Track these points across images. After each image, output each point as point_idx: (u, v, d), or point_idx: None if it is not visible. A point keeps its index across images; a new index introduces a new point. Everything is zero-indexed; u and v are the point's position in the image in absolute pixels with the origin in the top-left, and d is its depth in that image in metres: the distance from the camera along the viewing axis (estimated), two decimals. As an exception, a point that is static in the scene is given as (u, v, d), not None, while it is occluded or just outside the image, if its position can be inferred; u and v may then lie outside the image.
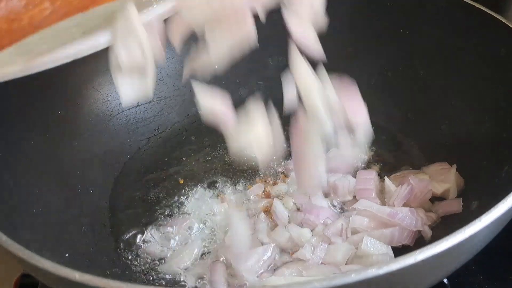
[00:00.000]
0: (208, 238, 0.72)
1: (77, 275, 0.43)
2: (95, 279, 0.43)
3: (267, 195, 0.77)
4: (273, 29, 1.01)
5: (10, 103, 0.74)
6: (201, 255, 0.70)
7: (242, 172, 0.83)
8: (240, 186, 0.80)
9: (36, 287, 0.72)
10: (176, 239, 0.72)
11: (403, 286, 0.47)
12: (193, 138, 0.92)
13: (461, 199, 0.69)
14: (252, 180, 0.81)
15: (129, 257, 0.71)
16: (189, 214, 0.76)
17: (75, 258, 0.66)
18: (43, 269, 0.46)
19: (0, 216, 0.58)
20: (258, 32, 1.01)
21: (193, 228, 0.74)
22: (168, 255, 0.71)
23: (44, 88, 0.80)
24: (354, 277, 0.41)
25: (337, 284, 0.40)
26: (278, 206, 0.73)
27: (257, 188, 0.78)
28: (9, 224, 0.58)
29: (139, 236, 0.74)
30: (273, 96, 0.99)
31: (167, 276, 0.68)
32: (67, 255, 0.65)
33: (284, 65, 1.00)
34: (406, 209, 0.67)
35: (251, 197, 0.77)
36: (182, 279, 0.67)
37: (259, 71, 1.01)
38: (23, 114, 0.74)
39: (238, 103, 0.99)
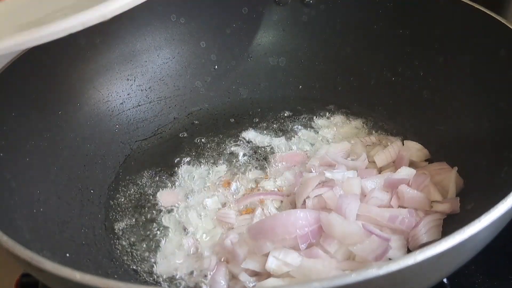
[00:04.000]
0: (210, 238, 0.72)
1: (77, 275, 0.43)
2: (95, 279, 0.43)
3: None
4: (273, 29, 1.01)
5: (11, 103, 0.74)
6: (201, 254, 0.70)
7: (242, 173, 0.83)
8: (239, 186, 0.80)
9: (36, 287, 0.72)
10: (176, 238, 0.72)
11: (403, 286, 0.47)
12: (193, 138, 0.92)
13: (459, 199, 0.69)
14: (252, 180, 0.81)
15: (129, 257, 0.71)
16: (189, 213, 0.76)
17: (75, 258, 0.66)
18: (44, 269, 0.46)
19: (1, 216, 0.58)
20: (258, 32, 1.03)
21: (193, 227, 0.74)
22: (168, 254, 0.71)
23: (44, 88, 0.80)
24: (354, 277, 0.41)
25: (337, 284, 0.40)
26: (270, 207, 0.74)
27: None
28: (10, 224, 0.58)
29: (140, 235, 0.74)
30: (273, 96, 1.00)
31: (168, 276, 0.68)
32: (67, 255, 0.65)
33: (284, 65, 1.01)
34: (405, 210, 0.67)
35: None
36: (183, 279, 0.67)
37: (259, 71, 1.01)
38: (23, 114, 0.74)
39: (238, 103, 0.99)
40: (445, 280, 0.67)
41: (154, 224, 0.76)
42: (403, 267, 0.41)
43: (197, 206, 0.77)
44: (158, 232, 0.74)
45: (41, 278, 0.54)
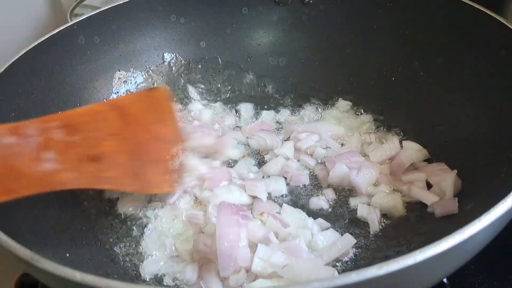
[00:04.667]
0: (184, 240, 0.72)
1: (77, 275, 0.43)
2: (95, 279, 0.43)
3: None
4: (273, 29, 1.01)
5: (11, 103, 0.74)
6: (200, 254, 0.70)
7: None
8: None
9: (36, 287, 0.72)
10: (176, 238, 0.72)
11: (403, 286, 0.47)
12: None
13: (457, 199, 0.69)
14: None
15: (129, 257, 0.71)
16: (189, 211, 0.76)
17: (75, 258, 0.66)
18: (44, 269, 0.46)
19: (1, 216, 0.58)
20: (258, 32, 1.03)
21: (193, 226, 0.74)
22: (167, 253, 0.71)
23: (44, 88, 0.80)
24: (354, 277, 0.41)
25: (337, 284, 0.40)
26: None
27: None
28: (10, 224, 0.58)
29: (139, 235, 0.74)
30: (273, 96, 1.00)
31: (166, 275, 0.68)
32: (67, 255, 0.65)
33: (284, 65, 1.01)
34: None
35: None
36: (181, 278, 0.67)
37: (259, 71, 1.01)
38: (23, 114, 0.74)
39: (238, 103, 0.99)
40: (445, 280, 0.67)
41: (154, 222, 0.75)
42: (403, 267, 0.41)
43: (172, 210, 0.77)
44: (158, 230, 0.74)
45: (41, 278, 0.54)
